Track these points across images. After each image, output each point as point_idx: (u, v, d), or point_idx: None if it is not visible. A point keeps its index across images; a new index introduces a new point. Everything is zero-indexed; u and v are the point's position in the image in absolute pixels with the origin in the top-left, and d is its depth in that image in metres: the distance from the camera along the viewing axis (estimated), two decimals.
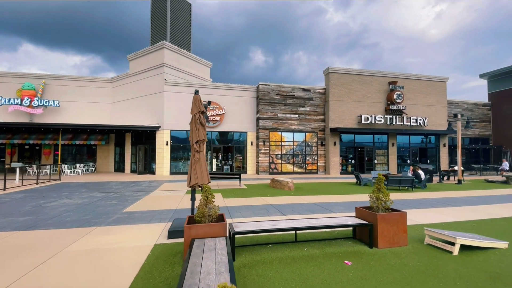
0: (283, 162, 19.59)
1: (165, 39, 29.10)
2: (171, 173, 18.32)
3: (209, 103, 11.08)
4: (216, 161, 19.78)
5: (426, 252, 4.13)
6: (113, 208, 7.48)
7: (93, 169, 20.58)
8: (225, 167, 19.77)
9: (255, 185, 13.05)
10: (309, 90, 20.04)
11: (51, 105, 19.53)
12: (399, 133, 20.55)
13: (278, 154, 19.50)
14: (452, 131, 18.49)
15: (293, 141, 19.81)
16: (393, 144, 20.75)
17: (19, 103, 19.02)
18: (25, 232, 5.22)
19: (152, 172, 18.53)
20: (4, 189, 10.75)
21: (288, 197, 9.42)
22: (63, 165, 17.90)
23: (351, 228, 4.95)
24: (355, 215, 4.86)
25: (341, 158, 20.11)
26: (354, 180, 15.22)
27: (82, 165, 19.05)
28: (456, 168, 15.65)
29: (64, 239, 4.73)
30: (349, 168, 20.30)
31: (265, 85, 19.43)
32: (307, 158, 19.97)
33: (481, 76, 24.89)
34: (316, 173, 19.87)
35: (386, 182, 12.09)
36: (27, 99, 19.08)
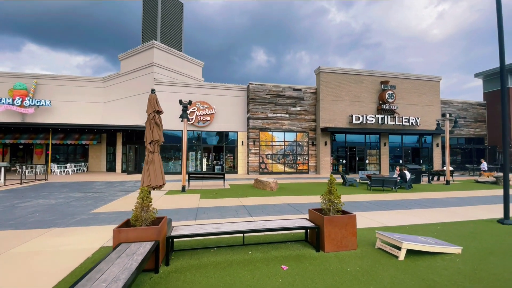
0: (273, 162, 19.48)
1: (156, 38, 29.06)
2: None
3: (190, 102, 11.01)
4: (207, 161, 19.75)
5: (373, 256, 4.01)
6: (83, 209, 7.46)
7: (85, 168, 20.64)
8: (216, 167, 19.73)
9: (240, 185, 12.98)
10: (300, 90, 19.89)
11: (42, 104, 19.63)
12: (391, 133, 20.32)
13: (269, 154, 19.38)
14: (440, 130, 18.23)
15: (284, 141, 19.68)
16: (385, 144, 20.53)
17: (11, 102, 19.15)
18: None
19: (142, 172, 18.51)
20: None
21: (266, 198, 9.34)
22: (52, 165, 17.99)
23: (303, 231, 4.85)
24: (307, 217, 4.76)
25: (332, 158, 19.95)
26: (341, 180, 15.06)
27: (73, 164, 19.10)
28: (445, 168, 15.40)
29: (15, 240, 4.70)
30: (340, 168, 20.14)
31: (256, 84, 19.31)
32: (298, 158, 19.84)
33: (476, 75, 24.43)
34: (307, 173, 19.73)
35: (369, 183, 12.00)
36: (19, 99, 19.20)
